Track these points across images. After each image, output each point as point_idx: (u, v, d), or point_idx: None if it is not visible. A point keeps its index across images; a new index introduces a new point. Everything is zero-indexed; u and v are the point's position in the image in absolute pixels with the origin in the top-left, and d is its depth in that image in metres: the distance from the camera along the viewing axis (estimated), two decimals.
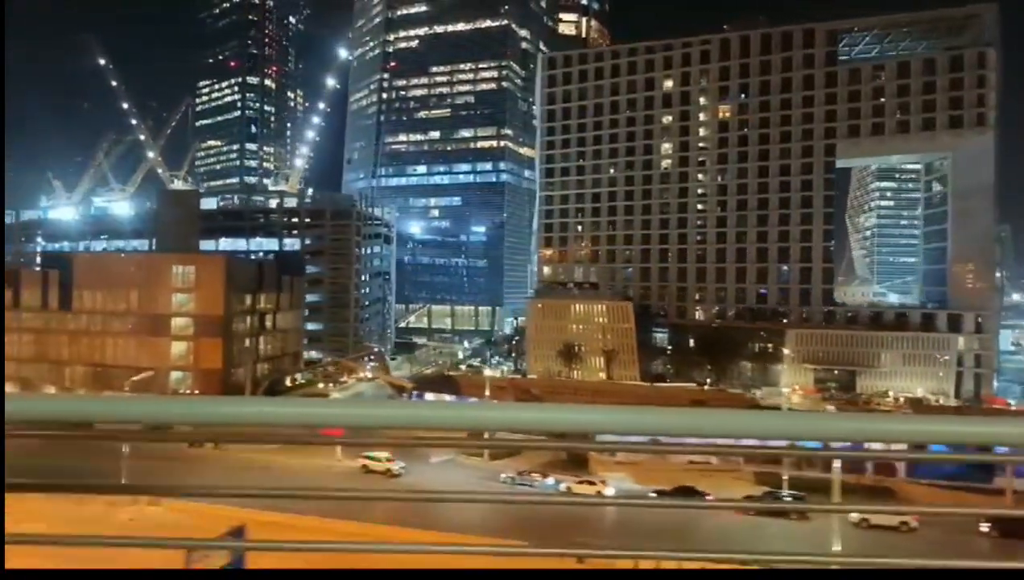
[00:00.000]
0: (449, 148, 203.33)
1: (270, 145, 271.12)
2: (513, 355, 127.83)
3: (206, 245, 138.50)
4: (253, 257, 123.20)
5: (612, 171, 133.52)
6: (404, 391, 79.78)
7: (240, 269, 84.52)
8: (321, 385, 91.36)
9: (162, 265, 78.38)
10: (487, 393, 75.60)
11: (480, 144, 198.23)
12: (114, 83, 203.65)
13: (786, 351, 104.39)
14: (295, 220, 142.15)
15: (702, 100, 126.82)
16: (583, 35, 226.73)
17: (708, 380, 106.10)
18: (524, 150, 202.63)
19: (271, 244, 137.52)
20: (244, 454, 51.38)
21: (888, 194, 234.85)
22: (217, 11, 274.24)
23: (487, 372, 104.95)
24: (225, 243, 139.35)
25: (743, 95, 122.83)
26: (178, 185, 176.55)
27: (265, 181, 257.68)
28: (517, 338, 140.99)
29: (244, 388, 72.94)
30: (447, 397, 69.08)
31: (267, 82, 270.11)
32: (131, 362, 74.63)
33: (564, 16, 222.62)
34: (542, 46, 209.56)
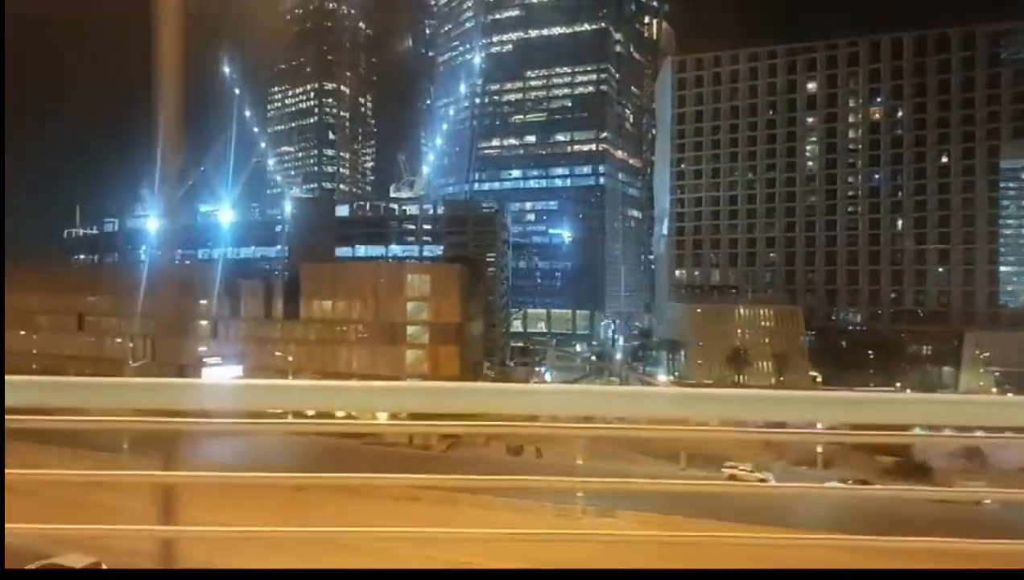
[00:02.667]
0: (543, 152, 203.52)
1: (345, 150, 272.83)
2: (668, 360, 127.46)
3: (342, 252, 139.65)
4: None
5: (751, 173, 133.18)
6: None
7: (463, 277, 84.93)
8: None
9: (396, 273, 78.94)
10: None
11: (577, 148, 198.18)
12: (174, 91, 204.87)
13: (965, 354, 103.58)
14: (416, 226, 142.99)
15: (851, 102, 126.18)
16: (654, 37, 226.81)
17: (874, 384, 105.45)
18: (619, 153, 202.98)
19: (410, 251, 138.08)
20: None
21: None
22: (288, 17, 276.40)
23: (661, 378, 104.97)
24: (362, 250, 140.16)
25: (895, 97, 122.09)
26: (296, 192, 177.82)
27: (342, 186, 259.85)
28: (648, 342, 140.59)
29: None
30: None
31: (342, 88, 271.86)
32: (365, 371, 75.19)
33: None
34: (632, 50, 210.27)
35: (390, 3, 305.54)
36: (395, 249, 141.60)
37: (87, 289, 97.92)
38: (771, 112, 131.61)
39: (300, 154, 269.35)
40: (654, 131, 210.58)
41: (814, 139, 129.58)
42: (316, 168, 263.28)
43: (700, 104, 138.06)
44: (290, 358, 76.37)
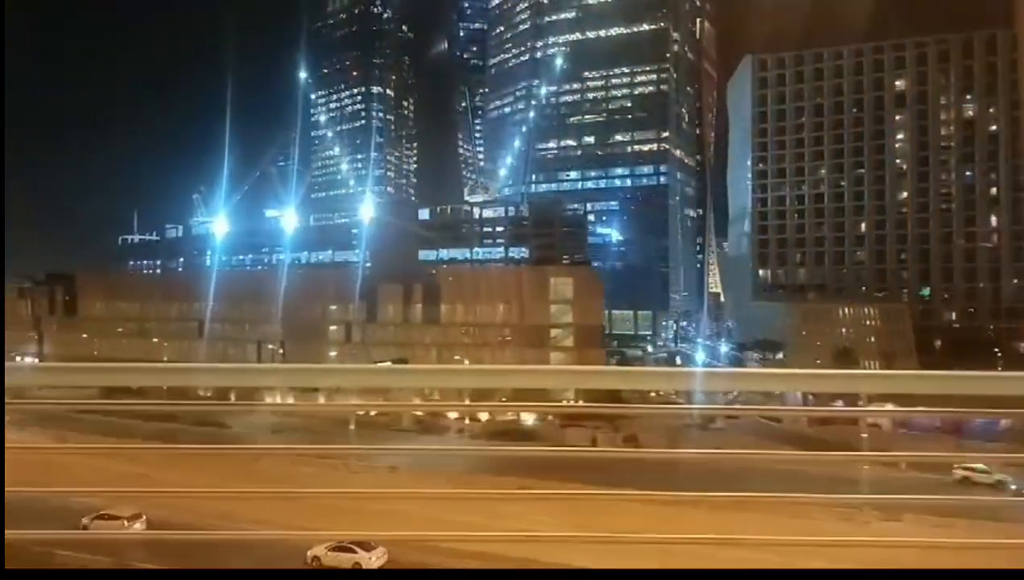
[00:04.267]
0: (600, 153, 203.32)
1: (391, 153, 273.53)
2: (766, 360, 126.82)
3: (425, 255, 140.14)
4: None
5: (837, 172, 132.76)
6: None
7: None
8: None
9: (538, 277, 79.16)
10: None
11: (638, 148, 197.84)
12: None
13: None
14: (494, 228, 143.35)
15: (942, 99, 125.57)
16: (698, 36, 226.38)
17: None
18: (677, 152, 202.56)
19: (493, 254, 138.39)
20: None
21: None
22: (332, 22, 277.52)
23: None
24: (445, 253, 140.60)
25: (989, 94, 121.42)
26: (369, 196, 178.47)
27: (389, 189, 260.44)
28: (737, 342, 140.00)
29: None
30: None
31: (388, 91, 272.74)
32: None
33: None
34: (687, 49, 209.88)
35: (426, 7, 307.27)
36: (477, 252, 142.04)
37: (193, 295, 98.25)
38: (856, 109, 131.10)
39: (347, 157, 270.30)
40: (712, 130, 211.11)
41: (902, 137, 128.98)
42: (364, 171, 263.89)
43: (782, 102, 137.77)
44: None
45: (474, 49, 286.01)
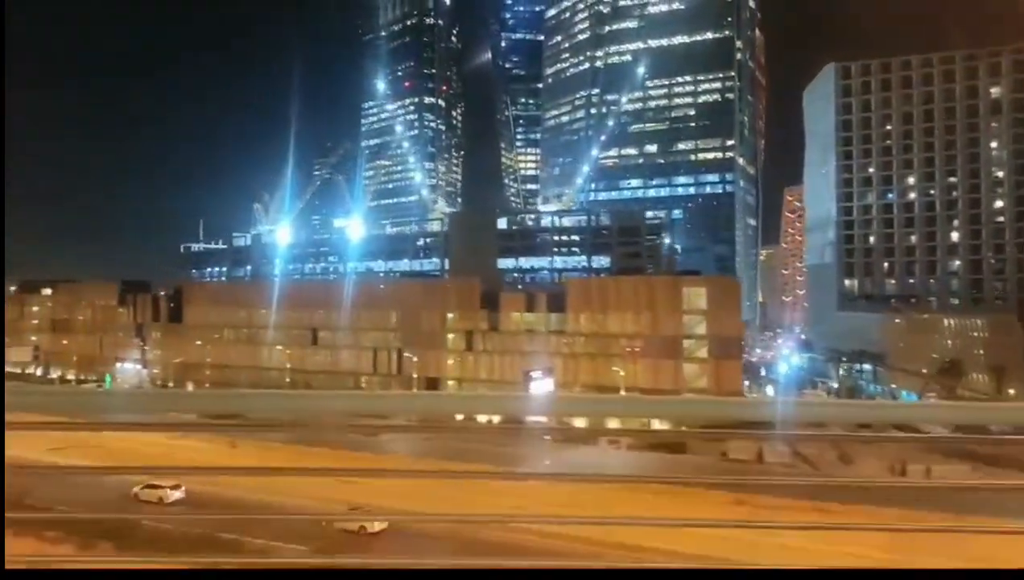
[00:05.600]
0: (661, 161, 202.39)
1: (442, 163, 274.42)
2: (863, 373, 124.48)
3: (504, 263, 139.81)
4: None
5: (928, 180, 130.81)
6: None
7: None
8: None
9: (670, 286, 78.35)
10: None
11: (701, 156, 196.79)
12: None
13: None
14: (569, 237, 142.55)
15: None
16: (755, 45, 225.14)
17: None
18: (740, 160, 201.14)
19: (574, 262, 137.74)
20: None
21: None
22: (384, 33, 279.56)
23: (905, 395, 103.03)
24: (524, 262, 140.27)
25: None
26: (442, 206, 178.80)
27: (432, 196, 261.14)
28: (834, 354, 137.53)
29: None
30: None
31: (439, 101, 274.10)
32: (644, 384, 74.66)
33: None
34: (748, 57, 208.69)
35: (471, 18, 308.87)
36: (555, 261, 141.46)
37: (307, 304, 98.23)
38: (947, 117, 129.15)
39: (398, 167, 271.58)
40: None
41: (996, 144, 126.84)
42: (416, 180, 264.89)
43: (867, 110, 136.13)
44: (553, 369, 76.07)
45: (515, 60, 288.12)
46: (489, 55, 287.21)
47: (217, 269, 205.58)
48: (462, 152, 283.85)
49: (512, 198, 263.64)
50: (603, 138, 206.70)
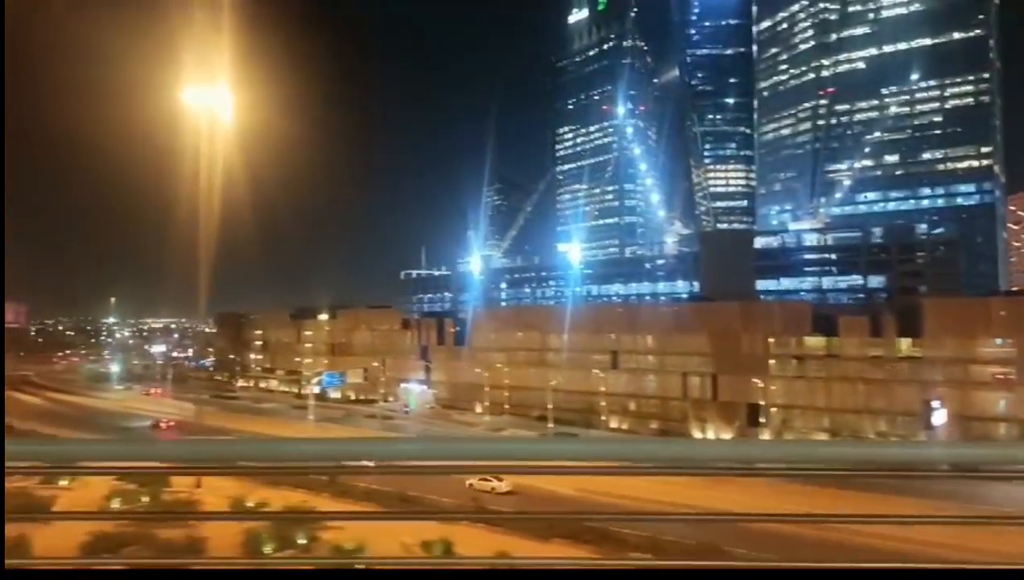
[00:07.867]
0: (899, 172, 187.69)
1: (640, 184, 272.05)
2: None
3: (764, 285, 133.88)
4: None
5: None
6: None
7: None
8: None
9: None
10: None
11: (952, 165, 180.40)
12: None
13: None
14: (828, 254, 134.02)
15: None
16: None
17: None
18: (996, 169, 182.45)
19: (840, 282, 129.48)
20: None
21: None
22: (579, 58, 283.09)
23: None
24: (787, 282, 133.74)
25: None
26: (678, 227, 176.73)
27: (633, 219, 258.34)
28: None
29: None
30: None
31: (639, 122, 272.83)
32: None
33: None
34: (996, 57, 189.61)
35: (660, 36, 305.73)
36: (817, 281, 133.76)
37: (593, 327, 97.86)
38: None
39: (597, 190, 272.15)
40: None
41: None
42: (617, 202, 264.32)
43: None
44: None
45: (700, 76, 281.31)
46: (676, 72, 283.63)
47: (439, 295, 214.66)
48: (657, 171, 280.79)
49: (703, 217, 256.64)
50: (830, 150, 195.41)
